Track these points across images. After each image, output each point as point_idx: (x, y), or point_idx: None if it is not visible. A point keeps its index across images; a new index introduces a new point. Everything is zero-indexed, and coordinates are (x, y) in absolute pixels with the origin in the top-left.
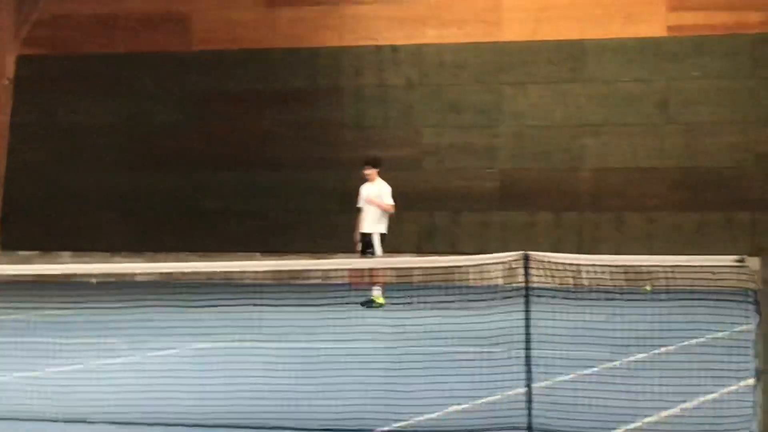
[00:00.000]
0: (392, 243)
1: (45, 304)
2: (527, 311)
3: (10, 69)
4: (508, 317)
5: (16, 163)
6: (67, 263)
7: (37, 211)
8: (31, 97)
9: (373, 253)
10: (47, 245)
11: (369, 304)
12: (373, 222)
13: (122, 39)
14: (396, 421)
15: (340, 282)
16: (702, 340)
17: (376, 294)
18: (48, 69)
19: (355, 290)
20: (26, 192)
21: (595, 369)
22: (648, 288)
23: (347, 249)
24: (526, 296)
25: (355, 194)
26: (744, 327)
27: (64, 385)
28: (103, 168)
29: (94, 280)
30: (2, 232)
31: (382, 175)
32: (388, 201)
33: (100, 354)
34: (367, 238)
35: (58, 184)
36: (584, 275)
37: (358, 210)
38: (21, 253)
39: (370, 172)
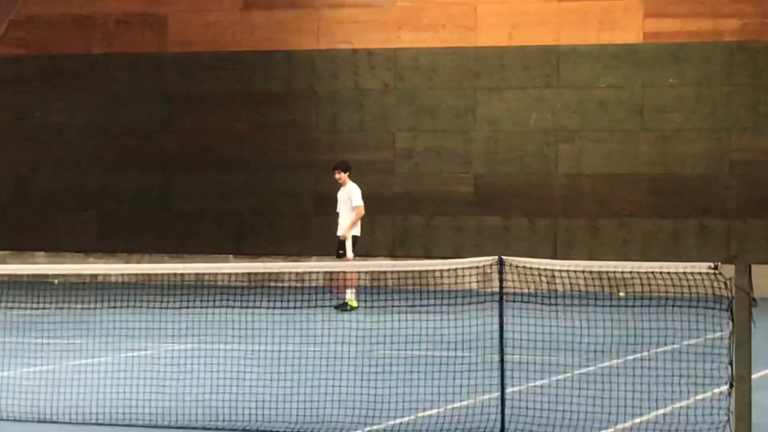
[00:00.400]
0: (366, 247)
1: (18, 304)
2: (501, 316)
3: None
4: (482, 322)
5: None
6: (41, 263)
7: (11, 211)
8: (6, 97)
9: (344, 255)
10: (21, 245)
11: (342, 307)
12: (345, 224)
13: (98, 40)
14: (369, 425)
15: (313, 285)
16: (676, 346)
17: (349, 297)
18: (24, 69)
19: (332, 295)
20: (0, 191)
21: (569, 375)
22: (622, 294)
23: (321, 251)
24: (501, 301)
25: (330, 197)
26: (718, 334)
27: (37, 385)
28: (77, 168)
29: (55, 281)
30: None
31: (357, 179)
32: (357, 202)
33: (73, 355)
34: (339, 241)
35: (33, 184)
36: (558, 280)
37: (338, 215)
38: None
39: (340, 176)
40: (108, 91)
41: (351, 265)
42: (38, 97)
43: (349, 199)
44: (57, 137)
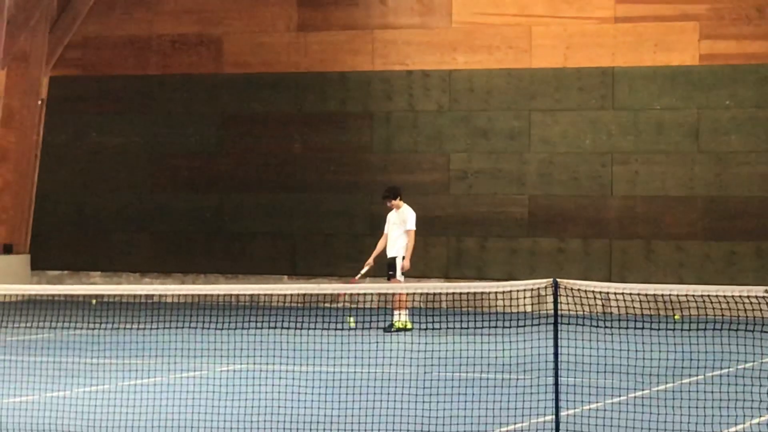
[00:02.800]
0: (420, 268)
1: (74, 324)
2: (556, 338)
3: (43, 89)
4: (536, 344)
5: (48, 183)
6: (96, 283)
7: (67, 231)
8: (62, 118)
9: (394, 276)
10: (77, 265)
11: (389, 328)
12: (396, 246)
13: (154, 61)
14: None
15: (367, 306)
16: (731, 370)
17: (404, 319)
18: (80, 90)
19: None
20: (57, 211)
21: (623, 398)
22: (677, 317)
23: (375, 272)
24: (555, 323)
25: (384, 218)
26: None
27: (93, 405)
28: (133, 189)
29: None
30: (33, 252)
31: (411, 200)
32: (411, 226)
33: (128, 375)
34: (390, 262)
35: (89, 204)
36: (613, 303)
37: (386, 236)
38: (51, 272)
39: (392, 203)
40: (163, 111)
41: (404, 286)
42: (94, 118)
43: (403, 222)
44: (112, 158)
